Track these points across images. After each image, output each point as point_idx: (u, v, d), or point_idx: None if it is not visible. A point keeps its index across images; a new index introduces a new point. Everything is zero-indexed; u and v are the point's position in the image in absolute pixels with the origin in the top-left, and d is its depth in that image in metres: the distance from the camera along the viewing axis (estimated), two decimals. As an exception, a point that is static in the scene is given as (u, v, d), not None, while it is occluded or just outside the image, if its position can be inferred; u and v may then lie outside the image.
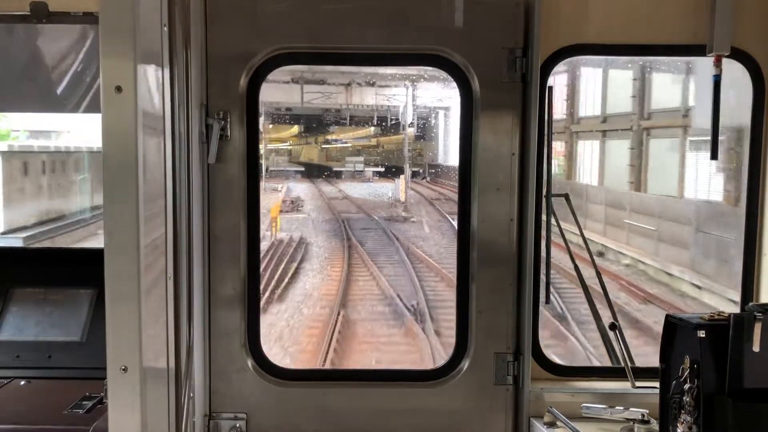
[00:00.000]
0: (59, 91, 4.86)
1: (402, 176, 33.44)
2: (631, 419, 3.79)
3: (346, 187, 38.08)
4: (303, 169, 43.41)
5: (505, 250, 4.12)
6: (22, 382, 3.96)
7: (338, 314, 16.11)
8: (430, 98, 34.17)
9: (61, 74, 4.74)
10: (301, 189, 37.20)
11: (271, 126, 38.61)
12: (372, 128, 38.83)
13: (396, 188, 33.58)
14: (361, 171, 40.73)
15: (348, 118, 37.88)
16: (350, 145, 42.06)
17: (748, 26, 4.06)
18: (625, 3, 4.14)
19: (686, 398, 3.33)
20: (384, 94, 35.05)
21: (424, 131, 37.73)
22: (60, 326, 4.20)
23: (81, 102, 4.91)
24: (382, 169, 39.62)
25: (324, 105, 36.25)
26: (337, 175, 41.84)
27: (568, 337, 13.86)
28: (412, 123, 33.99)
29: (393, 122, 35.71)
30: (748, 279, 4.28)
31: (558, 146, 31.31)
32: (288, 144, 44.98)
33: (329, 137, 42.61)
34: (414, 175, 36.76)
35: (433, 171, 39.33)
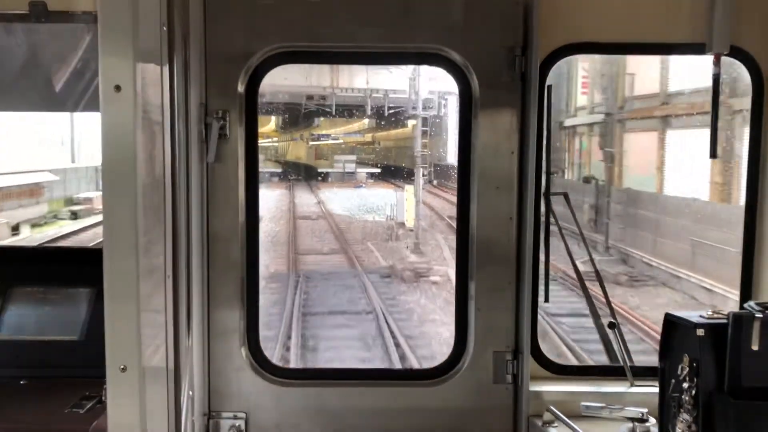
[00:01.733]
0: (57, 89, 4.86)
1: (409, 188, 21.69)
2: (630, 418, 3.79)
3: (330, 196, 27.32)
4: (280, 170, 35.27)
5: (504, 248, 4.12)
6: (21, 382, 3.95)
7: None
8: (436, 82, 24.35)
9: (60, 73, 4.74)
10: (267, 200, 26.16)
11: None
12: (366, 120, 31.36)
13: (399, 205, 20.85)
14: (352, 173, 32.06)
15: (333, 107, 28.91)
16: (342, 141, 34.72)
17: (748, 25, 4.06)
18: (624, 1, 4.14)
19: (685, 397, 3.34)
20: (388, 71, 25.85)
21: (429, 123, 27.78)
22: (59, 325, 4.19)
23: (79, 101, 4.91)
24: (379, 170, 32.51)
25: (302, 89, 27.06)
26: (323, 177, 33.25)
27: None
28: (430, 105, 23.49)
29: (392, 111, 27.61)
30: (747, 277, 4.28)
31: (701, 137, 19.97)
32: (271, 140, 36.73)
33: (315, 132, 34.74)
34: (412, 176, 26.41)
35: (437, 170, 30.12)
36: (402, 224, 19.95)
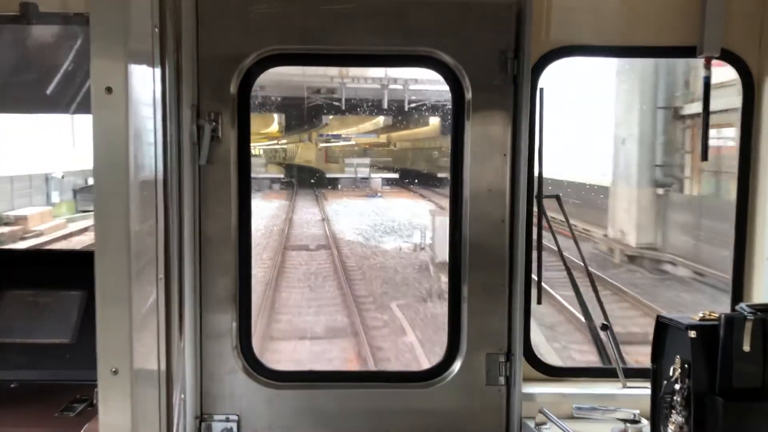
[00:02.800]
0: (48, 91, 4.84)
1: (445, 203, 11.04)
2: (622, 419, 3.80)
3: (339, 210, 22.20)
4: (281, 176, 30.93)
5: (497, 251, 4.13)
6: (12, 385, 3.93)
7: None
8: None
9: (51, 74, 4.72)
10: (257, 218, 16.34)
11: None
12: (381, 118, 27.32)
13: (436, 233, 15.73)
14: (366, 178, 27.40)
15: (343, 101, 24.29)
16: (355, 143, 30.74)
17: (738, 28, 4.08)
18: (616, 5, 4.15)
19: (677, 398, 3.35)
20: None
21: (447, 121, 18.65)
22: (50, 328, 4.17)
23: (71, 103, 4.89)
24: (396, 176, 28.08)
25: (306, 79, 22.78)
26: (332, 183, 28.57)
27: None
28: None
29: (413, 107, 23.85)
30: (739, 279, 4.30)
31: None
32: (276, 142, 32.80)
33: (324, 132, 30.69)
34: (436, 183, 22.80)
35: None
36: (443, 264, 12.95)
